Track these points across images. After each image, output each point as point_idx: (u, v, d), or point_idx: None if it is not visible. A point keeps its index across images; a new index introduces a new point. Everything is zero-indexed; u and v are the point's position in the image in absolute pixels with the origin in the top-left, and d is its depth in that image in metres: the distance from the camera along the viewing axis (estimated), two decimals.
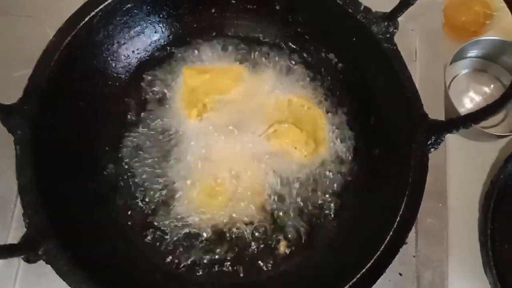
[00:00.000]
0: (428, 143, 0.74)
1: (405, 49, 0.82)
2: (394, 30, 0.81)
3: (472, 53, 1.12)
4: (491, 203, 0.95)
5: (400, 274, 0.88)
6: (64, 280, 0.67)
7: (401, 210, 0.72)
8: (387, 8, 0.82)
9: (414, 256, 0.90)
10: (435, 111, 0.92)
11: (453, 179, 1.00)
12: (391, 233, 0.71)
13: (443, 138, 0.74)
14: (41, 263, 0.68)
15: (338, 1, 0.84)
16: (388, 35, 0.81)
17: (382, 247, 0.71)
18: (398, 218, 0.72)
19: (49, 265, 0.68)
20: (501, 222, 0.97)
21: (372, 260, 0.70)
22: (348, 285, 0.69)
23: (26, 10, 1.06)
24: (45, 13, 1.04)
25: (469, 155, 1.04)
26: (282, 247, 0.85)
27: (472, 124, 0.71)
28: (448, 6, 1.12)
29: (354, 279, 0.69)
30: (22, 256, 0.66)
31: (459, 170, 1.02)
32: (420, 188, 0.74)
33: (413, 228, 0.89)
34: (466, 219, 0.98)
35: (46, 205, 0.71)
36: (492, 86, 1.13)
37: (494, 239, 0.95)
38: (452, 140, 1.03)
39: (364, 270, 0.70)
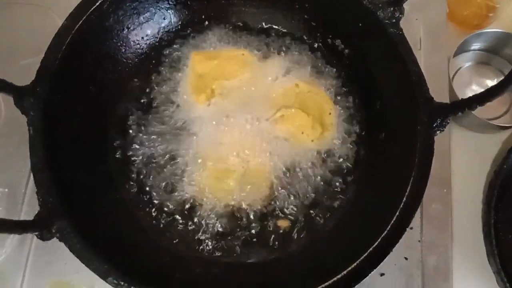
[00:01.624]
0: (434, 125, 0.75)
1: (410, 38, 0.82)
2: (400, 16, 0.82)
3: (475, 46, 1.11)
4: (494, 193, 0.95)
5: (406, 258, 0.89)
6: (77, 257, 0.68)
7: (407, 191, 0.73)
8: None
9: (419, 241, 0.91)
10: (439, 98, 0.92)
11: (458, 171, 1.00)
12: (397, 213, 0.72)
13: (448, 121, 0.75)
14: (51, 247, 0.69)
15: None
16: (394, 20, 0.82)
17: (389, 227, 0.71)
18: (405, 199, 0.72)
19: (59, 249, 0.69)
20: (505, 213, 0.96)
21: (378, 240, 0.71)
22: (354, 264, 0.70)
23: None
24: (52, 1, 1.06)
25: (473, 147, 1.04)
26: (283, 224, 0.86)
27: (478, 106, 0.71)
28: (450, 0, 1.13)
29: (361, 259, 0.70)
30: (36, 233, 0.67)
31: (463, 162, 1.02)
32: (426, 170, 0.74)
33: (419, 213, 0.92)
34: (470, 209, 0.98)
35: (58, 185, 0.72)
36: (495, 79, 1.12)
37: (497, 229, 0.95)
38: (456, 131, 1.04)
39: (370, 250, 0.70)
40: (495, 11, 1.11)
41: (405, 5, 0.83)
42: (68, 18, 0.81)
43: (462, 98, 0.73)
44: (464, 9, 1.13)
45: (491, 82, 1.12)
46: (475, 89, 1.12)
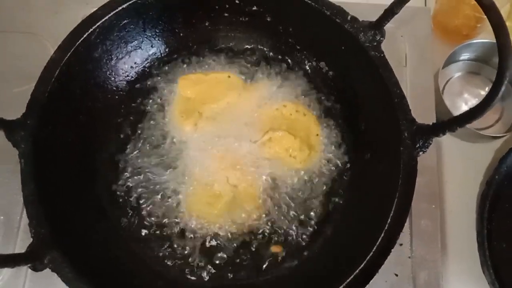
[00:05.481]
0: (416, 146, 0.76)
1: (394, 55, 0.84)
2: (381, 38, 0.83)
3: (465, 56, 1.12)
4: (486, 203, 0.95)
5: (396, 275, 0.89)
6: (69, 287, 0.69)
7: (392, 211, 0.73)
8: (374, 17, 0.83)
9: (409, 257, 0.91)
10: (426, 115, 0.93)
11: (450, 181, 1.01)
12: (382, 234, 0.72)
13: (430, 142, 0.76)
14: (48, 273, 0.70)
15: (326, 12, 0.86)
16: (375, 43, 0.82)
17: (374, 248, 0.72)
18: (389, 220, 0.73)
19: (55, 275, 0.70)
20: (498, 222, 0.96)
21: (365, 261, 0.71)
22: (342, 286, 0.70)
23: (25, 26, 1.09)
24: (45, 29, 1.07)
25: (465, 157, 1.04)
26: (276, 250, 0.86)
27: (458, 127, 0.72)
28: (438, 11, 1.14)
29: (348, 280, 0.71)
30: (29, 265, 0.68)
31: (455, 172, 1.02)
32: (410, 190, 0.75)
33: (408, 229, 0.92)
34: (463, 220, 0.98)
35: (50, 216, 0.73)
36: (486, 88, 1.12)
37: (491, 239, 0.95)
38: (448, 142, 1.04)
39: (357, 271, 0.71)
40: (483, 21, 1.11)
41: (390, 23, 0.83)
42: (57, 51, 0.82)
43: (443, 120, 0.74)
44: (453, 20, 1.13)
45: (481, 91, 1.13)
46: (466, 99, 1.12)
